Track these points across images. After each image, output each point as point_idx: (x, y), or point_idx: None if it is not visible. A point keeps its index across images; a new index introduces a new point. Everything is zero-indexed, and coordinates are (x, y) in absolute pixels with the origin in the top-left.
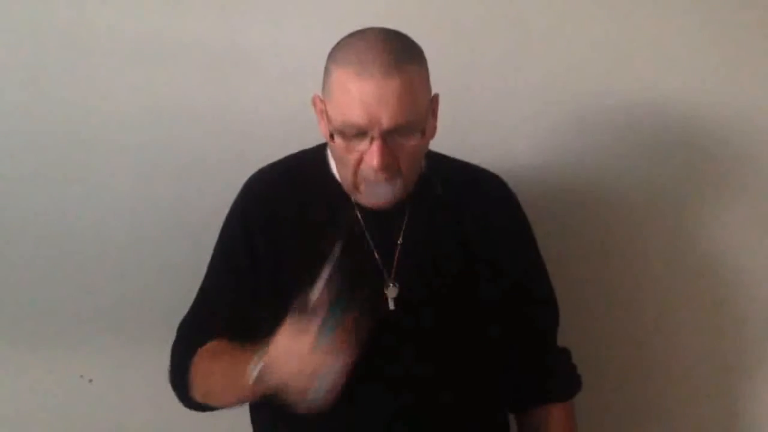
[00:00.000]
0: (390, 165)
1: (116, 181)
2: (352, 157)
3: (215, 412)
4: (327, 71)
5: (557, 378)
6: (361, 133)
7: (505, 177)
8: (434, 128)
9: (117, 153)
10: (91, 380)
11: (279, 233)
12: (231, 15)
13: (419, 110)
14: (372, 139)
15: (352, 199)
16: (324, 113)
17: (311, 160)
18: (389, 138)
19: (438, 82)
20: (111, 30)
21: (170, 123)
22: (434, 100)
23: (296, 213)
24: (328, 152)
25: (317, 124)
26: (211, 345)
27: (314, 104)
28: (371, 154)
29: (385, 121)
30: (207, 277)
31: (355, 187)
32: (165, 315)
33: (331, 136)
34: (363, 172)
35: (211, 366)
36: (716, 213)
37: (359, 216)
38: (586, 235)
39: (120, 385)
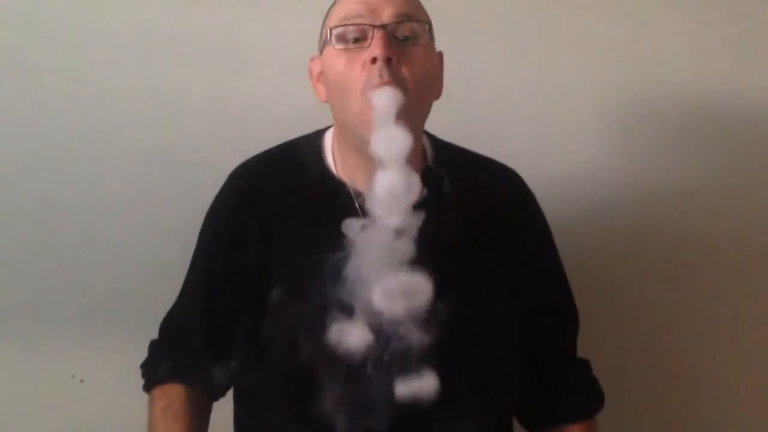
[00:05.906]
0: (394, 63)
1: (110, 178)
2: (354, 71)
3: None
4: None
5: (576, 396)
6: (361, 36)
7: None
8: (440, 89)
9: (110, 149)
10: (82, 380)
11: (266, 228)
12: (227, 9)
13: (421, 11)
14: (374, 35)
15: (349, 191)
16: (320, 75)
17: (303, 150)
18: (393, 41)
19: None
20: (106, 25)
21: (165, 119)
22: (439, 58)
23: (285, 206)
24: (323, 142)
25: (313, 90)
26: (166, 402)
27: (311, 73)
28: (373, 48)
29: (387, 13)
30: (186, 277)
31: (362, 115)
32: (158, 315)
33: (331, 43)
34: (368, 82)
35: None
36: None
37: (358, 209)
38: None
39: (111, 384)
